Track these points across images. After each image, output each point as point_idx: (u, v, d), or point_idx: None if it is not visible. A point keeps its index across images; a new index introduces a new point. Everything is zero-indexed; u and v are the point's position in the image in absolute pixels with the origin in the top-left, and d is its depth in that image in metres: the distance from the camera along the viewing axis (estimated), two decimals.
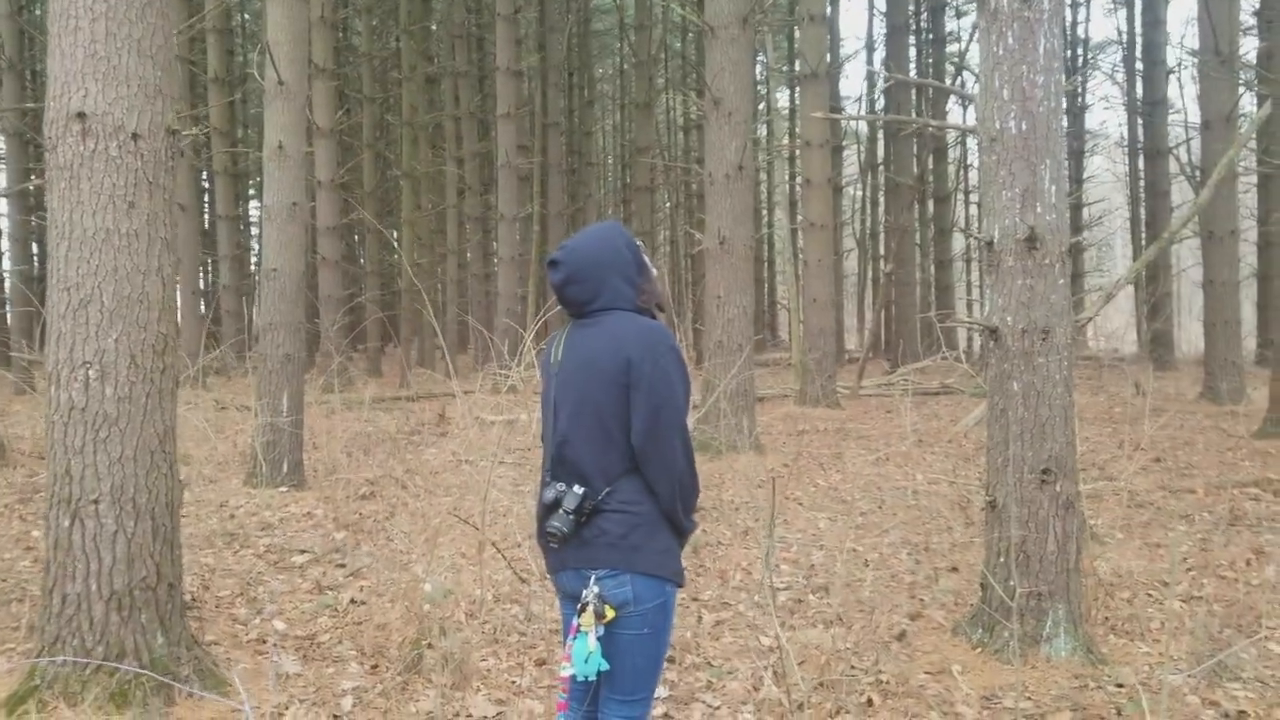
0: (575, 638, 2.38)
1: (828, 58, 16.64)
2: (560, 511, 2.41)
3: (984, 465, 4.37)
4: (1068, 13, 27.43)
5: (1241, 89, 13.60)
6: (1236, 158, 13.77)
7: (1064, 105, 4.20)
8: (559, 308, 2.65)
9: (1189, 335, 26.80)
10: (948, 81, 23.81)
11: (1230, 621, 4.54)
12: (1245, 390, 13.63)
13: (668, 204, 33.49)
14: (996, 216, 4.11)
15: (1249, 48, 19.74)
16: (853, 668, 3.97)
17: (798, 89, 23.22)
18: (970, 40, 24.31)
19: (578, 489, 2.42)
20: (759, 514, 7.39)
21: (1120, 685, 3.70)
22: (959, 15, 28.25)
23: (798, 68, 17.08)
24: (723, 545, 6.28)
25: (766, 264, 33.97)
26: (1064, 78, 4.16)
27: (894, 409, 13.54)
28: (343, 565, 5.74)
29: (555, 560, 2.53)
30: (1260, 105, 8.44)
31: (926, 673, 3.90)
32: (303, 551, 6.05)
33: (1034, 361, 4.04)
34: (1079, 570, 4.11)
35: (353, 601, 5.01)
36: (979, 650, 4.06)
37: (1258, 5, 17.19)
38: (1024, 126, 4.01)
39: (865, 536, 6.53)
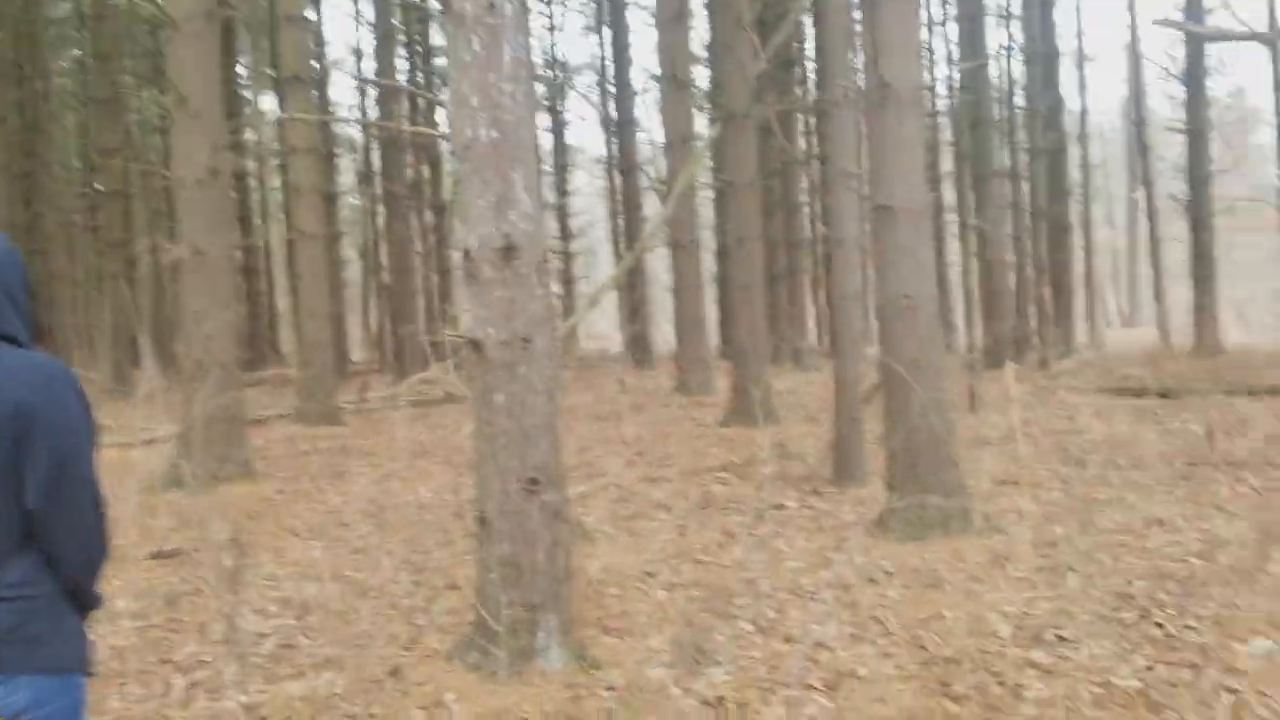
0: None
1: (314, 63, 16.01)
2: None
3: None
4: (547, 35, 29.07)
5: (698, 112, 15.18)
6: (695, 174, 15.37)
7: (535, 115, 4.20)
8: None
9: (664, 335, 29.60)
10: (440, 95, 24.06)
11: (707, 605, 4.85)
12: (713, 383, 15.21)
13: (145, 212, 30.39)
14: (473, 225, 4.01)
15: (706, 75, 22.19)
16: (344, 717, 3.65)
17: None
18: None
19: None
20: (248, 551, 6.77)
21: (611, 688, 3.76)
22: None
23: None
24: (203, 593, 5.61)
25: (265, 276, 32.13)
26: (534, 88, 4.16)
27: (399, 422, 13.32)
28: None
29: None
30: (712, 127, 9.44)
31: (420, 708, 3.68)
32: None
33: (516, 372, 4.00)
34: (569, 577, 4.13)
35: None
36: (475, 674, 3.92)
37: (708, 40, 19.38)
38: (495, 134, 3.94)
39: (364, 561, 6.20)
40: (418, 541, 6.53)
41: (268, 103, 31.76)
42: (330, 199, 26.12)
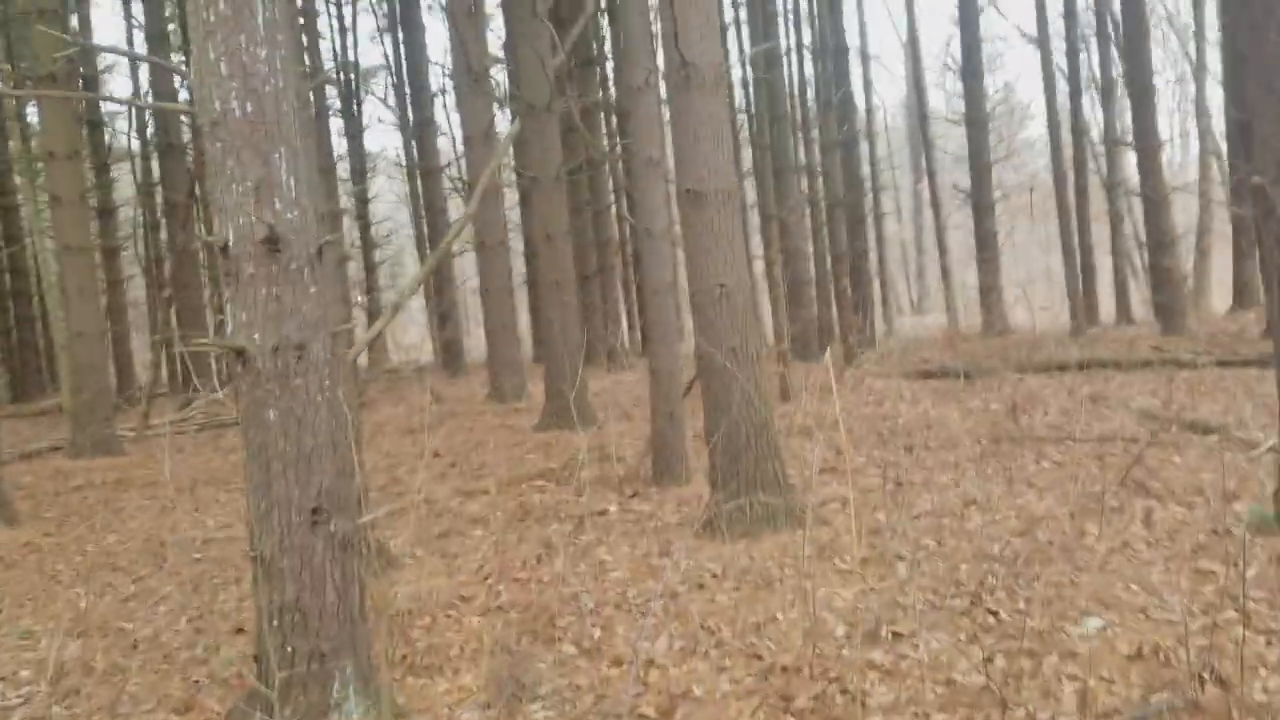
0: None
1: (81, 69, 14.58)
2: None
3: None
4: (336, 37, 27.77)
5: (497, 107, 14.66)
6: (498, 171, 14.86)
7: (295, 87, 3.67)
8: None
9: (476, 341, 28.86)
10: None
11: (527, 629, 4.43)
12: (527, 388, 14.73)
13: None
14: (230, 215, 3.45)
15: (505, 76, 21.61)
16: None
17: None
18: None
19: None
20: (3, 603, 5.90)
21: None
22: None
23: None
24: None
25: (39, 300, 29.39)
26: (290, 55, 3.63)
27: (186, 448, 12.26)
28: None
29: None
30: (514, 122, 9.03)
31: None
32: None
33: (291, 384, 3.46)
34: (365, 616, 3.63)
35: None
36: None
37: (504, 34, 18.88)
38: (249, 108, 3.39)
39: (138, 610, 5.47)
40: (201, 582, 5.83)
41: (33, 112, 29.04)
42: (108, 212, 24.20)
